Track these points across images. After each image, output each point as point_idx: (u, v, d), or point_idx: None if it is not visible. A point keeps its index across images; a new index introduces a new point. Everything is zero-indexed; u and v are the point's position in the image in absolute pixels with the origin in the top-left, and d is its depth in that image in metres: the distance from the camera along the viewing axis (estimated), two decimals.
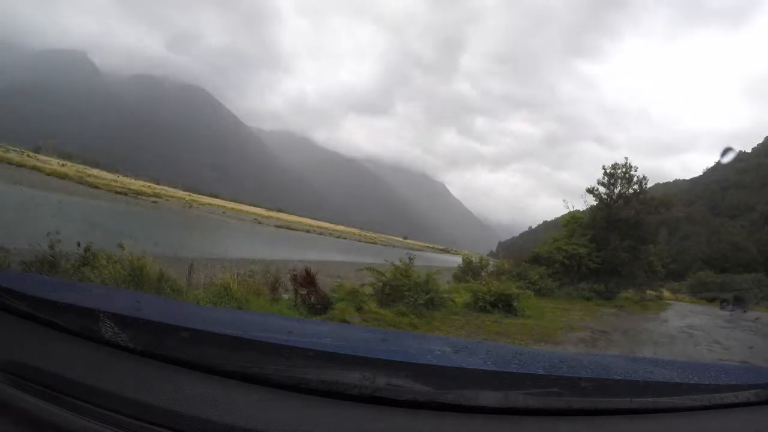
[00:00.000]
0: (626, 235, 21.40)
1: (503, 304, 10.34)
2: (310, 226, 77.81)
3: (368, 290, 8.77)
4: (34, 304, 0.88)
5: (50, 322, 0.85)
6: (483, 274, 15.95)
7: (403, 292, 8.49)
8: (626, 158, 22.87)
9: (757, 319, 17.34)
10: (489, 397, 0.72)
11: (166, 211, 37.87)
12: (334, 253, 27.41)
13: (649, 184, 23.40)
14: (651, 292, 24.65)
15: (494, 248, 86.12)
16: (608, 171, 22.50)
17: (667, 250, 29.19)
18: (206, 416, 0.66)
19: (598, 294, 19.53)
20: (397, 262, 9.23)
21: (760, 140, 77.44)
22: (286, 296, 7.30)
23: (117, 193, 44.07)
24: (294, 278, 7.36)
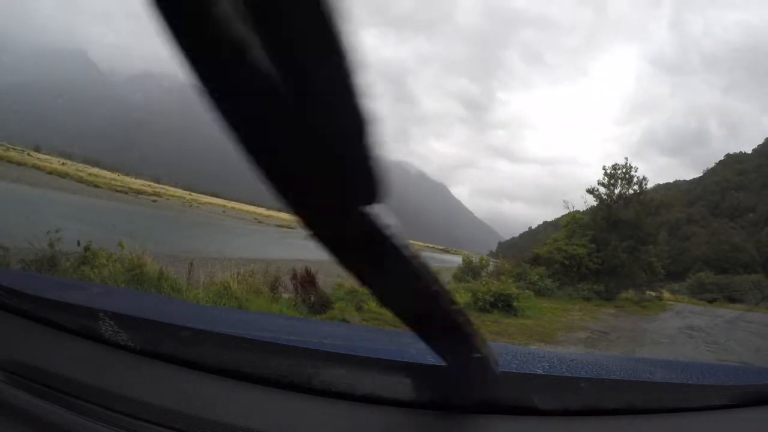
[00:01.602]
0: (626, 236, 21.37)
1: (503, 304, 10.35)
2: None
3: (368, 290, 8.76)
4: (33, 303, 0.88)
5: (50, 321, 0.85)
6: (483, 274, 15.95)
7: None
8: (626, 158, 22.89)
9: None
10: (488, 397, 0.72)
11: (166, 210, 37.87)
12: None
13: (649, 185, 23.45)
14: (651, 292, 24.57)
15: (494, 248, 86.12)
16: (608, 171, 22.50)
17: (668, 251, 29.15)
18: (206, 416, 0.66)
19: (597, 294, 19.48)
20: None
21: (761, 141, 77.51)
22: (286, 296, 7.31)
23: (117, 191, 44.18)
24: (294, 277, 7.37)
